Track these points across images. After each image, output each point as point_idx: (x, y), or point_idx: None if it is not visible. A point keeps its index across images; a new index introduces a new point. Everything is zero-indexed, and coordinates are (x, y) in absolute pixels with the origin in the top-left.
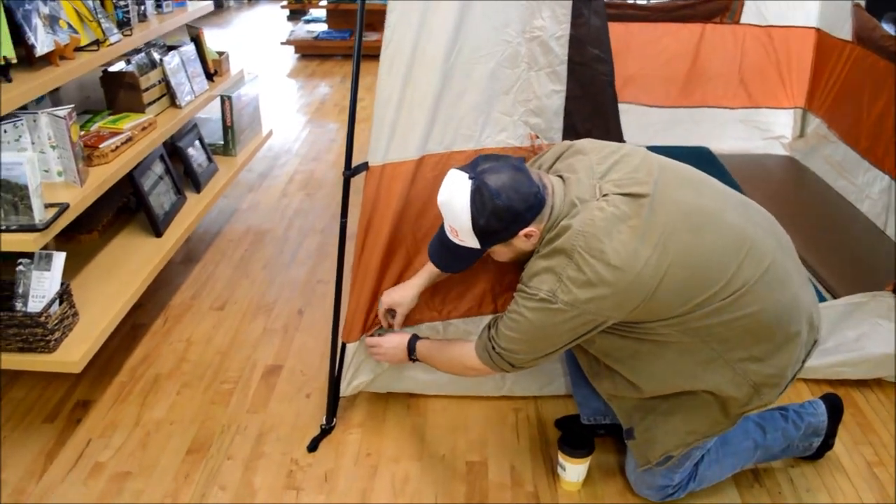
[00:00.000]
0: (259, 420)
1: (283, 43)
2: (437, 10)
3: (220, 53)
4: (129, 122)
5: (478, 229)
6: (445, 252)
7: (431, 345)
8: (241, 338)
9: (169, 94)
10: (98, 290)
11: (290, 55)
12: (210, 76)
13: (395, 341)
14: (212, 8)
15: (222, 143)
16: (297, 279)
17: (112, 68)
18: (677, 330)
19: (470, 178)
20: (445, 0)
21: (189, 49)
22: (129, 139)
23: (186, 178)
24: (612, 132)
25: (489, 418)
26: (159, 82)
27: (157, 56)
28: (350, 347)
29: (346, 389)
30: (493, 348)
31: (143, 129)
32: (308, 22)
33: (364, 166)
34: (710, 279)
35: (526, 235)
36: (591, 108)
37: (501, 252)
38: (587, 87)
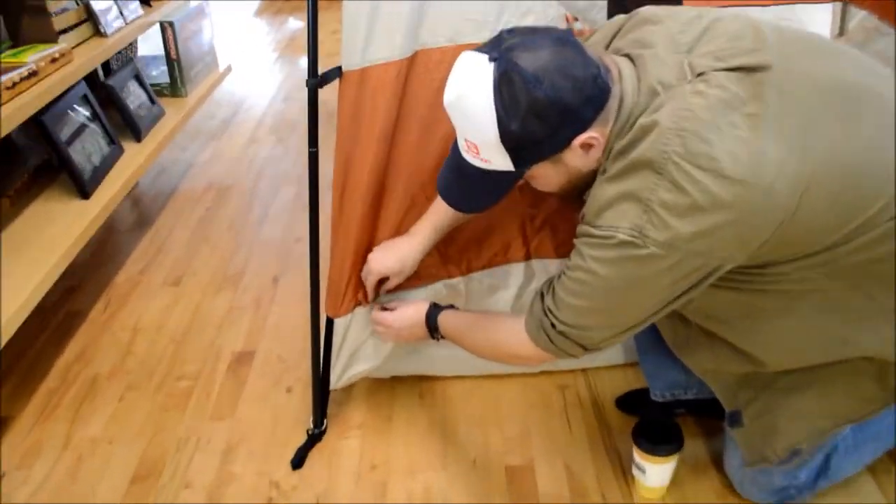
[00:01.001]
0: (226, 429)
1: None
2: None
3: None
4: (33, 54)
5: (509, 139)
6: (462, 182)
7: (460, 319)
8: (201, 319)
9: (91, 20)
10: (3, 274)
11: None
12: (146, 0)
13: (410, 315)
14: None
15: (168, 81)
16: (269, 240)
17: None
18: (821, 272)
19: (492, 59)
20: None
21: None
22: (34, 74)
23: (124, 125)
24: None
25: (529, 402)
26: (78, 4)
27: None
28: (339, 324)
29: (337, 381)
30: (553, 326)
31: (54, 60)
32: None
33: (336, 73)
34: (874, 189)
35: (583, 146)
36: None
37: (546, 175)
38: None
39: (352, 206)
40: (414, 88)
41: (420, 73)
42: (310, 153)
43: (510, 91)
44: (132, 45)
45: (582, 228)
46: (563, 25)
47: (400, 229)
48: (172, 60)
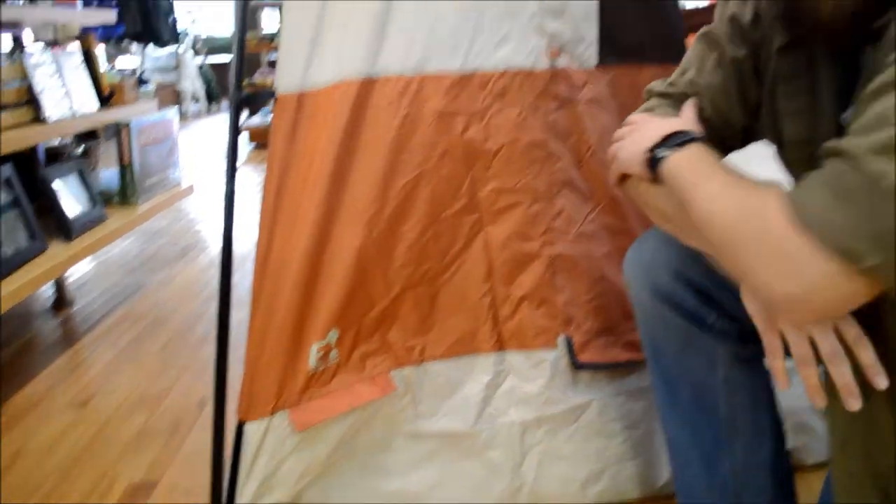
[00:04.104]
0: None
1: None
2: None
3: (124, 77)
4: None
5: None
6: None
7: (714, 160)
8: (101, 444)
9: (32, 103)
10: None
11: (245, 146)
12: (105, 99)
13: (657, 124)
14: None
15: (118, 188)
16: (205, 362)
17: None
18: None
19: None
20: None
21: (73, 55)
22: None
23: (58, 224)
24: (673, 47)
25: None
26: (19, 83)
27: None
28: (252, 432)
29: None
30: (863, 167)
31: None
32: (267, 113)
33: (269, 96)
34: None
35: None
36: (641, 9)
37: None
38: None
39: (279, 265)
40: (369, 124)
41: (379, 104)
42: (226, 191)
43: None
44: (91, 155)
45: None
46: (545, 59)
47: (345, 314)
48: (124, 165)
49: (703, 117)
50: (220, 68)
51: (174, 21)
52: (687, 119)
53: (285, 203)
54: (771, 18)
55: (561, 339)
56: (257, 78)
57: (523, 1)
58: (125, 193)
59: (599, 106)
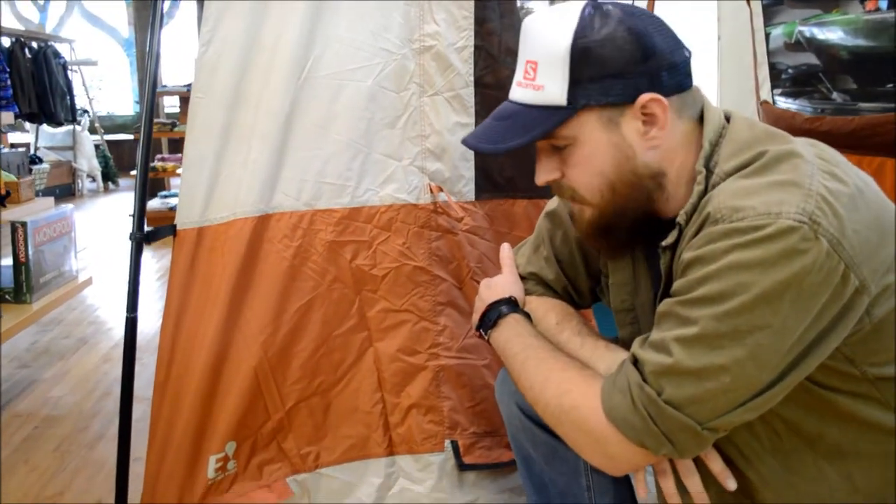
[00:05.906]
0: None
1: (131, 215)
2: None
3: (21, 177)
4: None
5: (579, 52)
6: (490, 123)
7: (535, 339)
8: None
9: None
10: None
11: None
12: (0, 199)
13: (499, 288)
14: None
15: (12, 286)
16: (102, 461)
17: None
18: None
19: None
20: None
21: None
22: None
23: None
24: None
25: None
26: None
27: None
28: None
29: None
30: (660, 392)
31: None
32: (165, 197)
33: (169, 230)
34: None
35: (646, 113)
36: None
37: (594, 145)
38: None
39: (178, 385)
40: (264, 256)
41: (273, 237)
42: (127, 319)
43: (600, 12)
44: None
45: (711, 232)
46: (426, 195)
47: (242, 427)
48: (20, 264)
49: (557, 284)
50: (118, 145)
51: (71, 100)
52: (506, 282)
53: (184, 329)
54: None
55: (447, 443)
56: (157, 163)
57: (406, 144)
58: (19, 292)
59: (478, 234)
